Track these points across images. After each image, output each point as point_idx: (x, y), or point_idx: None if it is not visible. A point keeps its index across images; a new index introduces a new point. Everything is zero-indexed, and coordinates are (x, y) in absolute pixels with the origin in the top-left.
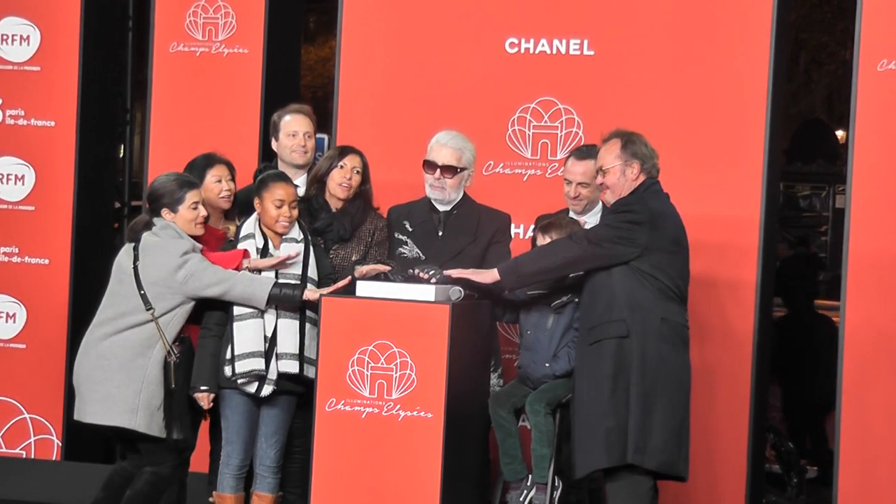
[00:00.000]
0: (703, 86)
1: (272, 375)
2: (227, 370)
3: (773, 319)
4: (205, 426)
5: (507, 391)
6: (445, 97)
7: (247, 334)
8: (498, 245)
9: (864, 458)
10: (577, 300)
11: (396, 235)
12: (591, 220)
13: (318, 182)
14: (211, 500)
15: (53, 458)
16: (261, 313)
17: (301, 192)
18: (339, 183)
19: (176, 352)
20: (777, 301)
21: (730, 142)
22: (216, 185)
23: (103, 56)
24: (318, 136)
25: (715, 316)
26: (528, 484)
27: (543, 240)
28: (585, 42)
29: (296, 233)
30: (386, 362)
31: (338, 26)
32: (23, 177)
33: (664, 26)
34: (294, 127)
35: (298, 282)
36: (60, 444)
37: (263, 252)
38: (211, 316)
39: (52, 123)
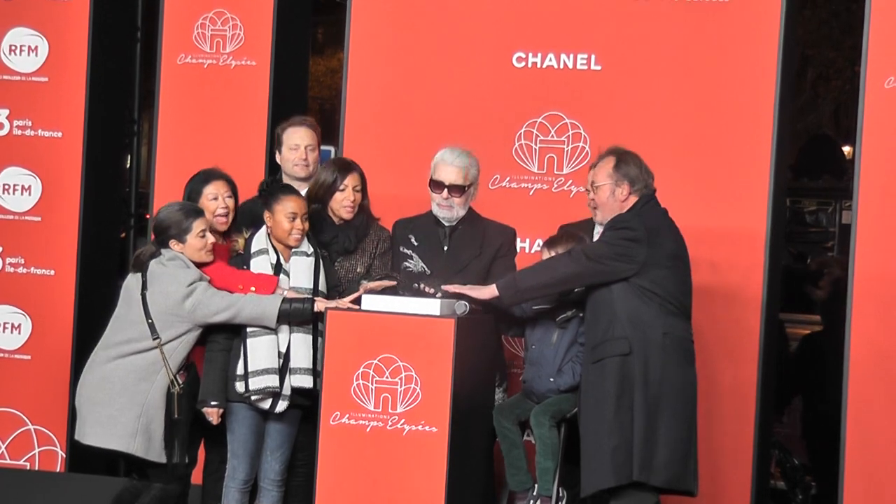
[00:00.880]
0: (709, 101)
1: (286, 391)
2: (240, 386)
3: (777, 334)
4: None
5: (512, 403)
6: (452, 111)
7: (261, 351)
8: (503, 259)
9: (870, 474)
10: (581, 315)
11: (401, 249)
12: None
13: (318, 201)
14: None
15: (57, 470)
16: (274, 329)
17: None
18: (343, 205)
19: (180, 381)
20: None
21: (736, 157)
22: (212, 202)
23: (111, 67)
24: (324, 148)
25: (720, 331)
26: (534, 495)
27: (549, 254)
28: (593, 57)
29: (305, 246)
30: (391, 376)
31: (345, 39)
32: (29, 187)
33: (671, 41)
34: (296, 140)
35: (308, 295)
36: (65, 455)
37: (276, 268)
38: (219, 330)
39: (60, 134)
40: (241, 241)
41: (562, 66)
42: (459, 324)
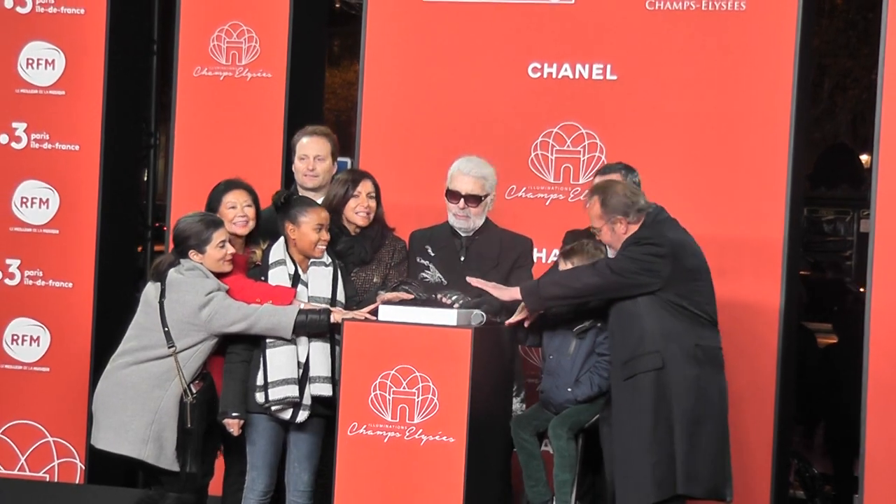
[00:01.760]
0: (725, 110)
1: (306, 400)
2: (260, 397)
3: (796, 343)
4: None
5: (530, 414)
6: (468, 121)
7: (280, 361)
8: (520, 270)
9: (890, 484)
10: (599, 325)
11: (418, 260)
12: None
13: (333, 212)
14: None
15: (77, 482)
16: (293, 339)
17: None
18: (357, 212)
19: (194, 391)
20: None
21: (753, 166)
22: (230, 211)
23: (128, 80)
24: (341, 160)
25: (739, 341)
26: None
27: (565, 265)
28: (608, 67)
29: (324, 256)
30: (408, 387)
31: (361, 51)
32: (47, 200)
33: (687, 51)
34: (305, 150)
35: (325, 306)
36: (84, 467)
37: (295, 278)
38: (239, 341)
39: (77, 147)
40: (258, 253)
41: (577, 76)
42: (476, 334)
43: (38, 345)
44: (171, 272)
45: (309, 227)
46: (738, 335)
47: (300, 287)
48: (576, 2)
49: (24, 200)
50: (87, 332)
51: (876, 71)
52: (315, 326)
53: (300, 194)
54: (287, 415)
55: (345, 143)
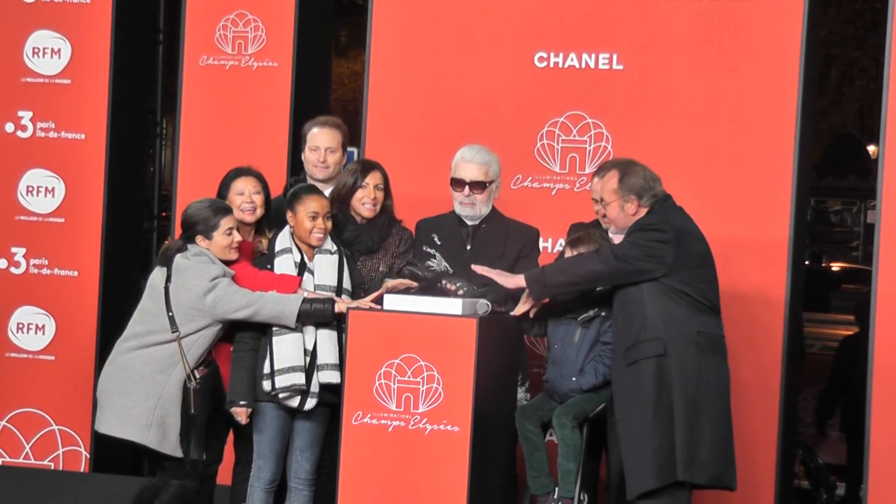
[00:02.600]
0: (732, 100)
1: (314, 388)
2: (267, 385)
3: (803, 335)
4: (230, 438)
5: (534, 404)
6: (474, 111)
7: (286, 348)
8: (526, 259)
9: (895, 475)
10: (604, 314)
11: (425, 248)
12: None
13: (340, 202)
14: None
15: (81, 470)
16: (299, 327)
17: None
18: (364, 203)
19: (197, 377)
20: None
21: (759, 156)
22: (238, 197)
23: (133, 69)
24: (349, 149)
25: (743, 331)
26: (555, 498)
27: (571, 254)
28: (615, 56)
29: (329, 244)
30: (413, 376)
31: (367, 40)
32: (53, 189)
33: (693, 41)
34: (316, 142)
35: (329, 294)
36: (88, 455)
37: (301, 266)
38: (246, 329)
39: (83, 136)
40: (264, 242)
41: (584, 65)
42: (481, 323)
43: (44, 333)
44: (178, 257)
45: (303, 214)
46: (743, 325)
47: (306, 275)
48: None
49: (30, 189)
50: (93, 320)
51: (883, 61)
52: (319, 315)
53: (312, 184)
54: (295, 403)
55: (352, 132)
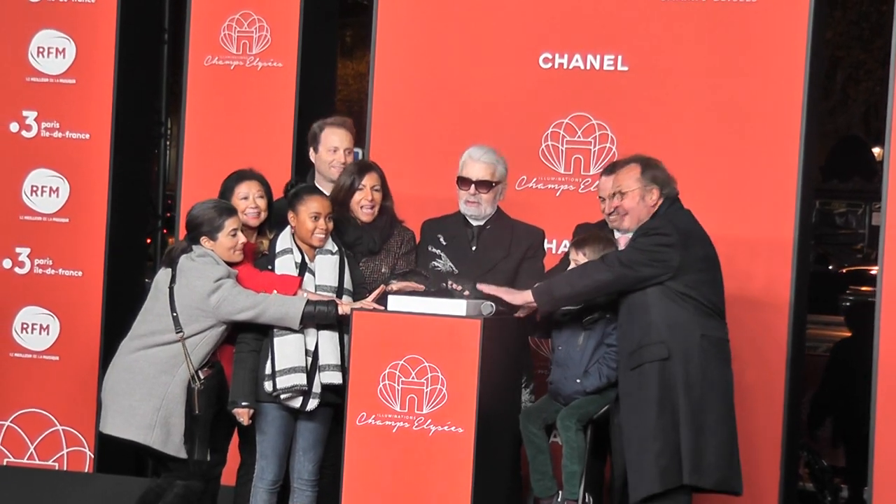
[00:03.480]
0: (737, 102)
1: (316, 389)
2: (269, 385)
3: (806, 337)
4: (235, 440)
5: (538, 407)
6: (479, 112)
7: (288, 349)
8: (531, 261)
9: None
10: (608, 316)
11: (430, 249)
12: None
13: (339, 204)
14: None
15: (86, 471)
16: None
17: None
18: (362, 206)
19: (201, 377)
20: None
21: (764, 158)
22: (242, 201)
23: (138, 69)
24: (355, 150)
25: (748, 333)
26: (559, 500)
27: (576, 255)
28: (619, 58)
29: (330, 245)
30: (417, 377)
31: (372, 41)
32: (57, 189)
33: (698, 42)
34: (335, 142)
35: (332, 296)
36: (93, 456)
37: (302, 267)
38: (248, 330)
39: (87, 136)
40: (265, 243)
41: (588, 66)
42: (486, 324)
43: (48, 333)
44: (183, 258)
45: (305, 214)
46: (747, 328)
47: (307, 275)
48: None
49: (35, 189)
50: (97, 320)
51: (889, 63)
52: (322, 318)
53: (316, 184)
54: (297, 403)
55: (357, 133)
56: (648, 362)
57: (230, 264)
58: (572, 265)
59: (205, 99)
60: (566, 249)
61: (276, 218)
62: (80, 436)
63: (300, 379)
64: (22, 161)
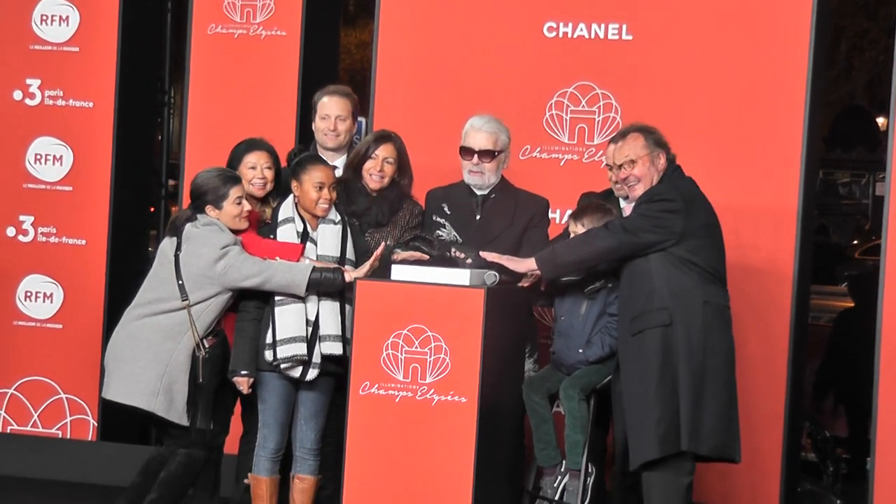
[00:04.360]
0: (741, 72)
1: (316, 359)
2: (269, 355)
3: (809, 308)
4: (238, 409)
5: (541, 376)
6: (483, 81)
7: (288, 319)
8: (535, 230)
9: None
10: (610, 286)
11: (434, 218)
12: None
13: (353, 169)
14: (246, 481)
15: (89, 439)
16: (302, 298)
17: (338, 173)
18: (371, 174)
19: (206, 346)
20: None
21: (768, 128)
22: (250, 171)
23: (142, 37)
24: (359, 119)
25: (752, 304)
26: (562, 470)
27: (575, 227)
28: (624, 27)
29: (333, 214)
30: (420, 346)
31: (376, 10)
32: (61, 157)
33: (703, 12)
34: (326, 110)
35: (337, 265)
36: (96, 424)
37: (303, 236)
38: (249, 299)
39: (91, 104)
40: (268, 212)
41: (593, 35)
42: (489, 294)
43: (52, 301)
44: (188, 226)
45: (309, 184)
46: (751, 297)
47: (309, 244)
48: None
49: (38, 157)
50: (101, 289)
51: (893, 32)
52: (329, 285)
53: (319, 153)
54: (297, 373)
55: (360, 102)
56: (650, 328)
57: (235, 232)
58: (572, 237)
59: (208, 67)
60: (567, 220)
61: (282, 188)
62: (83, 404)
63: (300, 349)
64: (26, 129)
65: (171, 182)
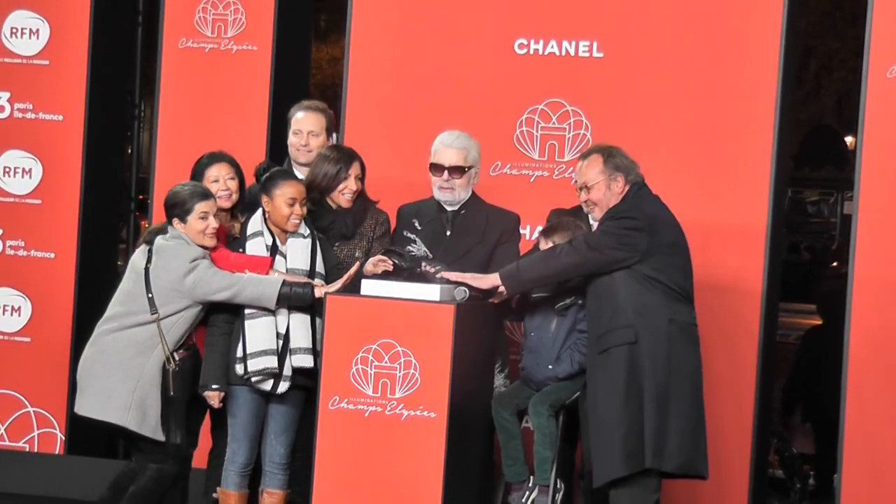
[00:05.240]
0: (711, 90)
1: (287, 372)
2: (239, 368)
3: (778, 325)
4: (207, 423)
5: (511, 392)
6: (454, 97)
7: (259, 332)
8: (506, 246)
9: (869, 465)
10: (580, 302)
11: (405, 233)
12: None
13: (321, 191)
14: (214, 496)
15: (56, 452)
16: (272, 311)
17: None
18: (344, 194)
19: (177, 359)
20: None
21: (737, 146)
22: (213, 184)
23: (113, 51)
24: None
25: (720, 322)
26: (530, 486)
27: (546, 244)
28: (594, 44)
29: (302, 228)
30: (390, 361)
31: (347, 25)
32: (30, 170)
33: (674, 30)
34: (299, 125)
35: (307, 279)
36: (63, 437)
37: (273, 250)
38: (219, 313)
39: (61, 117)
40: (237, 226)
41: (563, 52)
42: (459, 309)
43: (20, 315)
44: (158, 238)
45: (281, 199)
46: (719, 314)
47: (278, 258)
48: None
49: (7, 170)
50: (69, 302)
51: (862, 53)
52: (298, 300)
53: (292, 168)
54: (268, 386)
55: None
56: (616, 346)
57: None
58: (536, 252)
59: (179, 82)
60: (537, 236)
61: (251, 201)
62: (51, 417)
63: (271, 362)
64: None
65: (140, 196)
